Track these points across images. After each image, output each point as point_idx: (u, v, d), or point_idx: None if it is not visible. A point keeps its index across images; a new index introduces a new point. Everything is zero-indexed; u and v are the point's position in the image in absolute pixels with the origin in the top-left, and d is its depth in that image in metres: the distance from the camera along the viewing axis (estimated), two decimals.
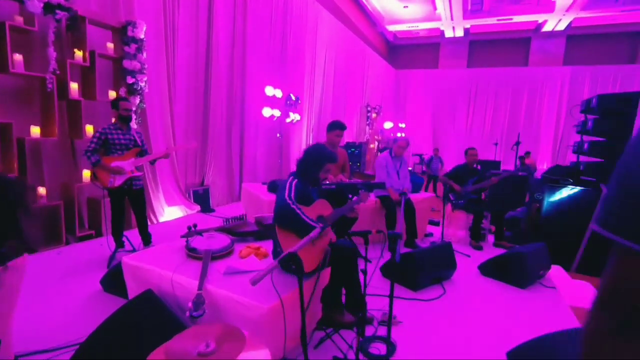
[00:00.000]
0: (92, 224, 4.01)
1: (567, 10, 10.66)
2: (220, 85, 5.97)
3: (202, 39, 5.62)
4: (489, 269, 3.39)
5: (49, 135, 3.56)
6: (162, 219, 4.84)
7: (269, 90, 6.45)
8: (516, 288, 3.18)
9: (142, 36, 4.20)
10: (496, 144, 9.73)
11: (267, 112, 6.49)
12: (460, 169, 4.45)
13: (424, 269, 3.00)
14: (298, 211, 1.91)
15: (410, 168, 4.64)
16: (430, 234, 4.68)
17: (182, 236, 2.54)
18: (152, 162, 3.57)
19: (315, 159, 2.13)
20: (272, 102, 6.60)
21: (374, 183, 3.70)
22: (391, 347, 2.15)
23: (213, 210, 5.64)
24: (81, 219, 3.92)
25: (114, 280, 2.75)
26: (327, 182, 3.15)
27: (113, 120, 3.39)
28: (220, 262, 2.29)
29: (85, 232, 3.85)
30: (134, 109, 4.04)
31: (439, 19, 12.23)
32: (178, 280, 2.05)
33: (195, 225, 2.66)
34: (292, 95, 7.17)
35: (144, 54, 4.27)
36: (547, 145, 12.46)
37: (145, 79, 4.29)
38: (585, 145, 4.51)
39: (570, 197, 4.37)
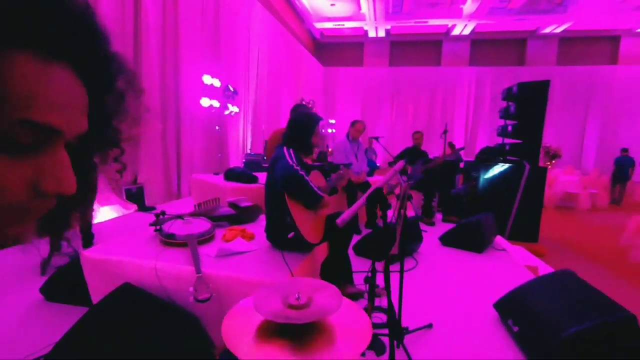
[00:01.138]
0: None
1: (472, 17, 12.03)
2: (152, 75, 5.42)
3: (129, 26, 5.03)
4: (449, 239, 3.64)
5: None
6: (95, 221, 4.20)
7: (207, 79, 6.05)
8: (474, 253, 3.47)
9: None
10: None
11: (205, 102, 6.08)
12: (409, 151, 4.70)
13: (403, 244, 3.08)
14: (307, 179, 1.80)
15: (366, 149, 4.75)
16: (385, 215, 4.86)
17: (152, 224, 2.22)
18: None
19: (306, 122, 2.02)
20: (210, 92, 6.20)
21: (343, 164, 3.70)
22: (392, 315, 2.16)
23: (153, 208, 5.09)
24: None
25: (58, 287, 2.31)
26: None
27: None
28: (203, 247, 2.06)
29: None
30: None
31: (363, 18, 12.81)
32: (164, 269, 1.78)
33: (163, 213, 2.35)
34: (230, 86, 6.84)
35: None
36: (460, 134, 14.00)
37: None
38: (509, 128, 5.13)
39: (501, 173, 4.92)
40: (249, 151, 8.92)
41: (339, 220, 1.29)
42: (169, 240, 2.03)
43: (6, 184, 0.29)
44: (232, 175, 3.83)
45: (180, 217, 2.23)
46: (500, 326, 2.14)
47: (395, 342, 1.67)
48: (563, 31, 12.86)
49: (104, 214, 4.39)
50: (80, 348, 1.39)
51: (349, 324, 0.78)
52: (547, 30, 12.91)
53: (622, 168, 8.83)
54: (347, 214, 1.40)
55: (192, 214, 2.42)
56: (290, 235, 1.78)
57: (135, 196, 5.14)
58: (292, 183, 1.77)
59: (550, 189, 8.10)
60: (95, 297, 1.93)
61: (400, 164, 1.71)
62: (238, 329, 0.78)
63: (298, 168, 1.81)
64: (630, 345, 1.52)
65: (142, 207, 5.03)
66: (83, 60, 0.32)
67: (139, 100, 0.38)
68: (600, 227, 6.27)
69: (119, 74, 0.36)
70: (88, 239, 3.03)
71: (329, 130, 13.08)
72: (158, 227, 2.17)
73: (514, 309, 2.06)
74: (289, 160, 1.84)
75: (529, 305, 1.93)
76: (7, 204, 0.30)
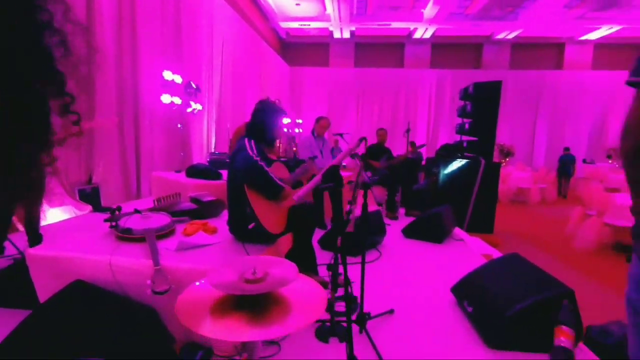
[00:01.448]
0: None
1: (432, 21, 12.49)
2: (108, 70, 5.16)
3: (81, 13, 4.76)
4: (411, 231, 3.76)
5: None
6: (44, 223, 3.93)
7: (168, 75, 5.85)
8: (434, 244, 3.62)
9: None
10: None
11: (166, 98, 5.88)
12: (374, 147, 4.82)
13: (364, 237, 3.15)
14: (267, 169, 1.80)
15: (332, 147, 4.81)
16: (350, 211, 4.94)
17: (106, 220, 2.13)
18: None
19: (270, 114, 2.02)
20: (171, 88, 6.00)
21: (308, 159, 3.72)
22: (354, 304, 2.21)
23: (110, 209, 4.83)
24: None
25: None
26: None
27: None
28: (163, 241, 2.00)
29: None
30: None
31: (328, 19, 12.92)
32: (119, 264, 1.71)
33: (119, 208, 2.26)
34: (192, 83, 6.65)
35: None
36: (422, 132, 14.51)
37: None
38: (466, 126, 5.39)
39: (459, 169, 5.16)
40: (213, 150, 8.72)
41: (295, 196, 1.31)
42: (125, 235, 1.95)
43: None
44: (194, 171, 3.74)
45: (138, 211, 2.15)
46: (457, 309, 2.24)
47: (358, 327, 1.71)
48: (515, 37, 13.67)
49: (54, 215, 4.12)
50: (25, 349, 1.31)
51: (305, 296, 0.80)
52: (501, 36, 13.67)
53: (565, 165, 9.70)
54: (302, 191, 1.42)
55: (151, 209, 2.34)
56: (251, 226, 1.77)
57: (90, 197, 4.86)
58: (251, 173, 1.77)
59: (505, 185, 8.58)
60: (43, 297, 1.81)
61: (352, 145, 1.76)
62: (193, 308, 0.77)
63: (258, 159, 1.81)
64: (566, 318, 1.65)
65: (98, 208, 4.77)
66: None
67: (83, 38, 0.37)
68: (549, 219, 6.75)
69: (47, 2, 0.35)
70: (35, 239, 2.83)
71: (296, 130, 13.08)
72: (114, 223, 2.08)
73: (468, 291, 2.17)
74: (249, 151, 1.84)
75: (482, 286, 2.05)
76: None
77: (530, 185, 8.72)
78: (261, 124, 2.00)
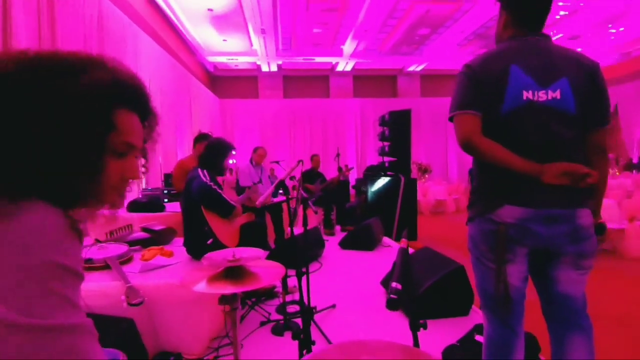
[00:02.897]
0: None
1: (351, 56, 13.84)
2: None
3: None
4: (346, 243, 4.25)
5: None
6: None
7: None
8: (367, 252, 4.13)
9: None
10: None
11: None
12: (308, 172, 5.30)
13: (303, 250, 3.54)
14: (220, 191, 2.12)
15: (269, 175, 5.16)
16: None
17: None
18: None
19: (221, 149, 2.36)
20: None
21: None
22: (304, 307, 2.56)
23: None
24: None
25: None
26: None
27: None
28: (123, 267, 2.16)
29: None
30: None
31: (255, 54, 13.55)
32: (87, 289, 1.86)
33: None
34: None
35: None
36: (352, 155, 15.58)
37: None
38: (386, 148, 6.18)
39: (383, 186, 5.86)
40: (144, 186, 8.49)
41: (257, 202, 1.66)
42: (87, 265, 2.09)
43: (111, 174, 0.61)
44: (137, 206, 3.83)
45: (98, 241, 2.28)
46: (385, 297, 2.72)
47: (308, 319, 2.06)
48: (422, 70, 15.68)
49: None
50: None
51: (268, 269, 1.16)
52: (411, 68, 15.58)
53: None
54: (263, 197, 1.79)
55: (106, 241, 2.47)
56: (209, 241, 2.06)
57: None
58: (208, 196, 2.07)
59: (425, 198, 9.68)
60: None
61: (292, 166, 2.19)
62: (195, 279, 1.09)
63: (211, 184, 2.13)
64: (461, 287, 2.21)
65: None
66: (143, 112, 0.67)
67: (156, 129, 0.73)
68: (462, 224, 7.80)
69: (152, 117, 0.71)
70: None
71: (230, 161, 13.18)
72: None
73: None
74: (203, 179, 2.15)
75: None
76: (109, 185, 0.62)
77: (446, 197, 9.95)
78: (214, 157, 2.34)
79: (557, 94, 1.17)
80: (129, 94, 0.62)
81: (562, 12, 9.48)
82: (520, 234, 1.19)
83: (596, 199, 1.27)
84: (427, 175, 12.95)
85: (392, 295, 1.00)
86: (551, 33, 10.55)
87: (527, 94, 1.17)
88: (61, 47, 5.70)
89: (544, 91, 1.18)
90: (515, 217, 1.18)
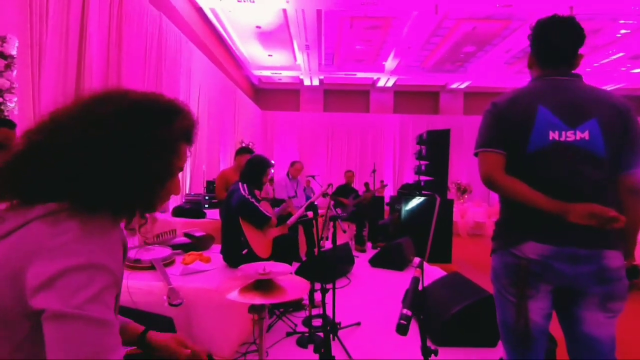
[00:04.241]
0: None
1: (392, 72, 13.88)
2: None
3: (72, 63, 5.19)
4: (376, 261, 4.26)
5: None
6: None
7: None
8: (397, 271, 4.11)
9: (13, 52, 3.74)
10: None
11: None
12: (342, 188, 5.39)
13: (333, 266, 3.61)
14: (257, 204, 2.27)
15: (305, 187, 5.32)
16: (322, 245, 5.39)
17: None
18: None
19: (261, 166, 2.53)
20: None
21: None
22: (327, 322, 2.63)
23: None
24: None
25: None
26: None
27: None
28: (166, 269, 2.36)
29: None
30: None
31: (298, 69, 14.00)
32: (135, 286, 2.06)
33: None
34: None
35: (14, 72, 3.78)
36: (389, 172, 15.45)
37: (15, 99, 3.76)
38: (423, 167, 6.13)
39: (418, 205, 5.80)
40: (187, 192, 9.00)
41: (289, 221, 1.78)
42: (135, 265, 2.31)
43: (167, 191, 0.77)
44: (180, 212, 4.12)
45: (146, 243, 2.51)
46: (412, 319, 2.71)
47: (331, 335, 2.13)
48: (466, 87, 15.34)
49: None
50: None
51: (294, 284, 1.26)
52: (454, 86, 15.30)
53: None
54: (293, 219, 1.91)
55: (152, 243, 2.71)
56: (244, 251, 2.21)
57: None
58: (245, 208, 2.23)
59: (463, 219, 9.39)
60: None
61: (323, 188, 2.30)
62: (228, 289, 1.22)
63: (249, 197, 2.29)
64: (489, 317, 2.16)
65: None
66: (192, 143, 0.82)
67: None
68: None
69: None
70: None
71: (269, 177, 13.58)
72: None
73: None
74: (243, 192, 2.32)
75: (429, 298, 2.54)
76: (163, 200, 0.77)
77: (485, 219, 9.59)
78: (254, 173, 2.52)
79: (586, 135, 1.18)
80: (193, 134, 0.81)
81: (622, 31, 8.95)
82: (543, 271, 1.19)
83: (628, 240, 1.25)
84: (466, 196, 12.54)
85: (401, 321, 1.06)
86: (610, 52, 10.00)
87: (553, 135, 1.19)
88: (125, 61, 6.29)
89: (572, 131, 1.19)
90: (538, 254, 1.19)
